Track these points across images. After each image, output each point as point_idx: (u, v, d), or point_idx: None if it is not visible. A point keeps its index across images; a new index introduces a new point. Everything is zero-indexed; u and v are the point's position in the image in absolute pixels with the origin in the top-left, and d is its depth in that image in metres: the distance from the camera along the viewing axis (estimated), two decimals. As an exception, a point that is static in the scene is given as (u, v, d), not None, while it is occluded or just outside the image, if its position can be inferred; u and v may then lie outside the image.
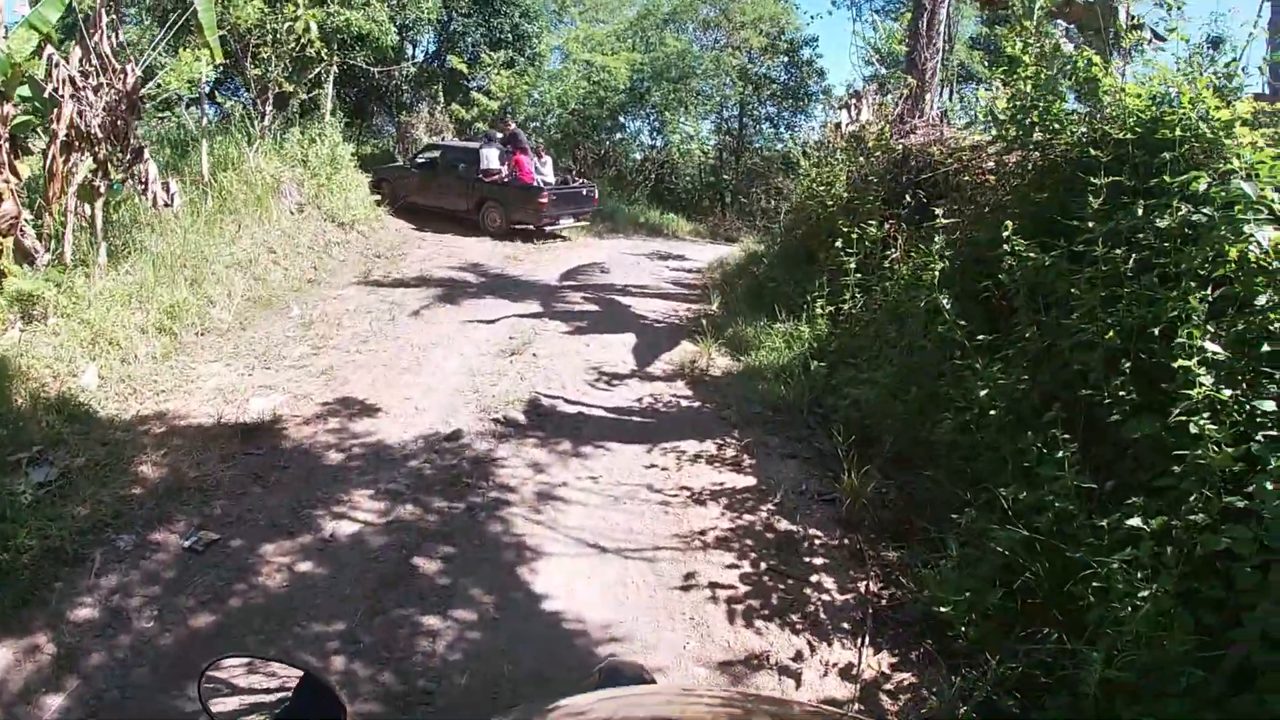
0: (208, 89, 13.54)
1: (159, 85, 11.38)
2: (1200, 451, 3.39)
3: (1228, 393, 3.52)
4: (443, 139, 20.20)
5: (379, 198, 16.76)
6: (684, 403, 7.49)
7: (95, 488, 5.36)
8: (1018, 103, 6.29)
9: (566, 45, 25.34)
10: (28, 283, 7.23)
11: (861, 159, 9.90)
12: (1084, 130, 5.72)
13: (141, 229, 9.41)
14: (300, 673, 1.54)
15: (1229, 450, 3.34)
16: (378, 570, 4.75)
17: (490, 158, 16.69)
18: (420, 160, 17.90)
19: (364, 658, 3.99)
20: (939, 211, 6.60)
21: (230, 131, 13.32)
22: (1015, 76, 6.35)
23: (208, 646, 4.00)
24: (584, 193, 17.52)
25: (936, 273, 5.85)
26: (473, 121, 22.24)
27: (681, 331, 9.81)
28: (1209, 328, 3.75)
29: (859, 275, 7.94)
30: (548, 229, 16.43)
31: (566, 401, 7.40)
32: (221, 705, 1.50)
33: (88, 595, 4.41)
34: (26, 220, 7.59)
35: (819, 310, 8.34)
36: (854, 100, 12.21)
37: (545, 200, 15.76)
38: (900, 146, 9.27)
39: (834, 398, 6.94)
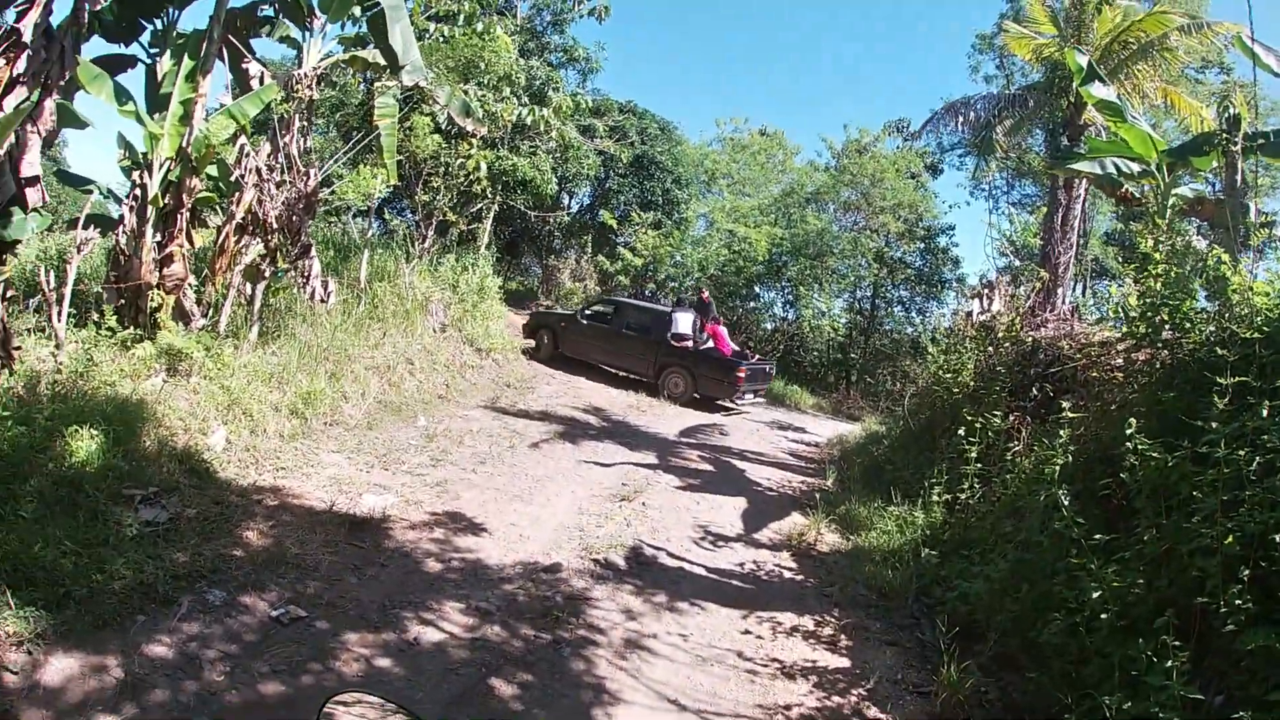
0: (377, 205, 14.59)
1: (334, 193, 12.42)
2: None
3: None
4: (624, 295, 20.78)
5: (532, 344, 17.31)
6: (787, 574, 7.34)
7: (199, 540, 5.68)
8: (1148, 300, 6.23)
9: (712, 214, 26.46)
10: (180, 340, 7.83)
11: (990, 349, 9.85)
12: (1212, 329, 5.64)
13: (294, 317, 10.17)
14: None
15: None
16: (454, 682, 4.78)
17: (684, 323, 16.83)
18: (591, 312, 17.97)
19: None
20: (1065, 405, 6.46)
21: (391, 247, 14.45)
22: (1146, 273, 6.30)
23: (270, 714, 4.12)
24: (766, 369, 17.69)
25: (1058, 468, 5.70)
26: (615, 274, 23.32)
27: (793, 502, 9.73)
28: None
29: (979, 465, 7.76)
30: (736, 403, 16.46)
31: (669, 555, 7.37)
32: None
33: (166, 635, 4.60)
34: (191, 285, 8.29)
35: (936, 497, 8.13)
36: (986, 290, 12.22)
37: (743, 375, 15.72)
38: (1030, 339, 9.18)
39: (942, 588, 6.69)
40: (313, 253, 9.50)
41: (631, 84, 57.66)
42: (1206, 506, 4.21)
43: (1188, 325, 5.88)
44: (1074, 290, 11.33)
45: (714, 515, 8.74)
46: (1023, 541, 6.00)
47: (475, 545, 6.88)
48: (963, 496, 7.79)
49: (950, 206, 34.45)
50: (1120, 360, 7.24)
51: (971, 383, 9.60)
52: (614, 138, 23.42)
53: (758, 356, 18.59)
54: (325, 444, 8.58)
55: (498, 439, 10.45)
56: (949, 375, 10.27)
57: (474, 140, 15.43)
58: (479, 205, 17.77)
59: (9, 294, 6.48)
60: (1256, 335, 4.89)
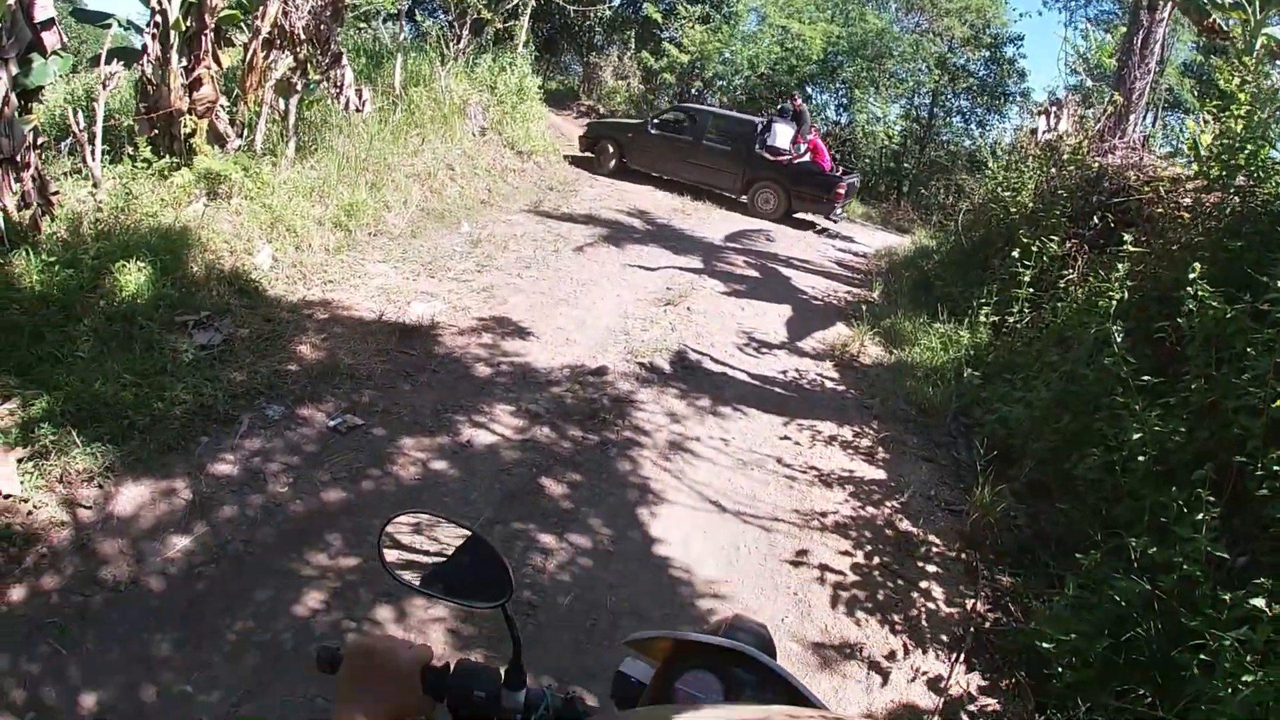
0: (407, 6, 14.06)
1: None
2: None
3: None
4: (706, 103, 19.94)
5: (591, 155, 16.54)
6: (829, 384, 7.53)
7: (254, 358, 5.86)
8: (1226, 141, 6.05)
9: (764, 8, 25.02)
10: (217, 163, 7.76)
11: (1053, 170, 9.58)
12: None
13: (331, 129, 9.98)
14: (469, 534, 1.62)
15: None
16: (506, 482, 5.04)
17: (783, 135, 15.94)
18: (664, 121, 16.89)
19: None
20: (1127, 239, 6.38)
21: (425, 50, 13.88)
22: (1227, 113, 6.08)
23: (334, 520, 4.39)
24: (855, 184, 16.89)
25: (1113, 303, 5.71)
26: (660, 71, 22.45)
27: (838, 312, 9.83)
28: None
29: (1031, 290, 7.76)
30: (834, 219, 15.89)
31: (713, 360, 7.55)
32: (396, 556, 1.62)
33: (230, 454, 4.84)
34: (222, 106, 8.15)
35: (983, 317, 8.19)
36: (1054, 108, 11.75)
37: (843, 191, 15.06)
38: (1096, 164, 8.93)
39: (982, 410, 6.85)
40: (344, 61, 9.18)
41: None
42: (1259, 366, 4.23)
43: (1264, 174, 5.74)
44: (1146, 120, 10.77)
45: (758, 322, 8.87)
46: (1068, 372, 6.08)
47: (523, 349, 7.05)
48: (1011, 320, 7.84)
49: (1021, 15, 32.61)
50: (1188, 200, 7.06)
51: (1030, 204, 9.42)
52: None
53: (845, 169, 17.54)
54: (370, 254, 8.62)
55: (542, 243, 10.44)
56: (1008, 194, 10.06)
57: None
58: (515, 1, 16.91)
59: (40, 141, 6.35)
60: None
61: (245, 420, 5.17)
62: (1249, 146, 5.78)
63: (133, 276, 5.99)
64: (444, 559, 1.65)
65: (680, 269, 10.40)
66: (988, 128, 24.95)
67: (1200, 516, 3.84)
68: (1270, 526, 3.92)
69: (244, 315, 6.39)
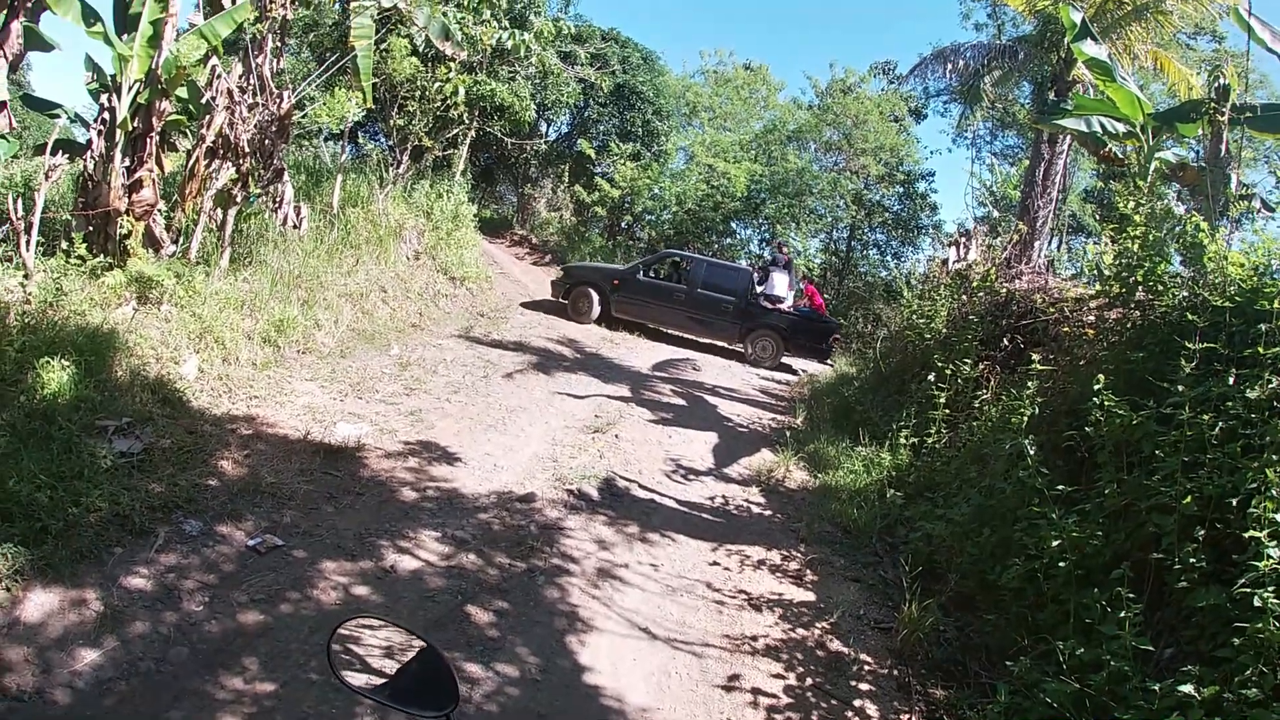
0: (350, 128, 14.31)
1: (306, 116, 12.20)
2: (1261, 625, 3.35)
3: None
4: (694, 251, 20.22)
5: (562, 300, 16.11)
6: (755, 509, 7.52)
7: (174, 470, 5.67)
8: (1124, 260, 6.38)
9: (691, 147, 26.22)
10: (150, 267, 7.69)
11: (964, 297, 10.00)
12: (1185, 294, 5.79)
13: (266, 244, 9.95)
14: (422, 644, 1.63)
15: None
16: (431, 609, 4.90)
17: (781, 284, 16.10)
18: (653, 269, 16.65)
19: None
20: (1035, 358, 6.62)
21: (365, 172, 14.12)
22: (1124, 234, 6.43)
23: (250, 643, 4.20)
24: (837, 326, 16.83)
25: (1025, 418, 5.87)
26: (592, 205, 23.12)
27: (763, 439, 9.88)
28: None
29: (947, 411, 7.98)
30: (828, 364, 15.65)
31: (641, 487, 7.51)
32: (345, 660, 1.61)
33: (144, 567, 4.65)
34: (161, 210, 8.16)
35: (903, 439, 8.35)
36: (963, 238, 12.34)
37: (838, 338, 14.97)
38: (1004, 290, 9.32)
39: (906, 529, 6.93)
40: (285, 177, 9.34)
41: (615, 11, 56.15)
42: (1167, 466, 4.38)
43: (1161, 288, 6.04)
44: (1050, 245, 11.33)
45: (685, 449, 8.89)
46: (986, 487, 6.20)
47: (450, 474, 6.96)
48: (929, 440, 8.02)
49: (931, 153, 34.71)
50: (1092, 317, 7.39)
51: (944, 330, 9.77)
52: (595, 66, 23.01)
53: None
54: (298, 372, 8.56)
55: (471, 368, 10.46)
56: (922, 321, 10.44)
57: (452, 64, 15.12)
58: (455, 131, 17.38)
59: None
60: (1228, 304, 5.04)
61: (162, 534, 4.99)
62: (1146, 264, 6.09)
63: (56, 374, 5.85)
64: (393, 666, 1.66)
65: (609, 397, 10.44)
66: (902, 259, 26.16)
67: (1123, 614, 3.90)
68: (1192, 617, 4.00)
69: (166, 425, 6.23)
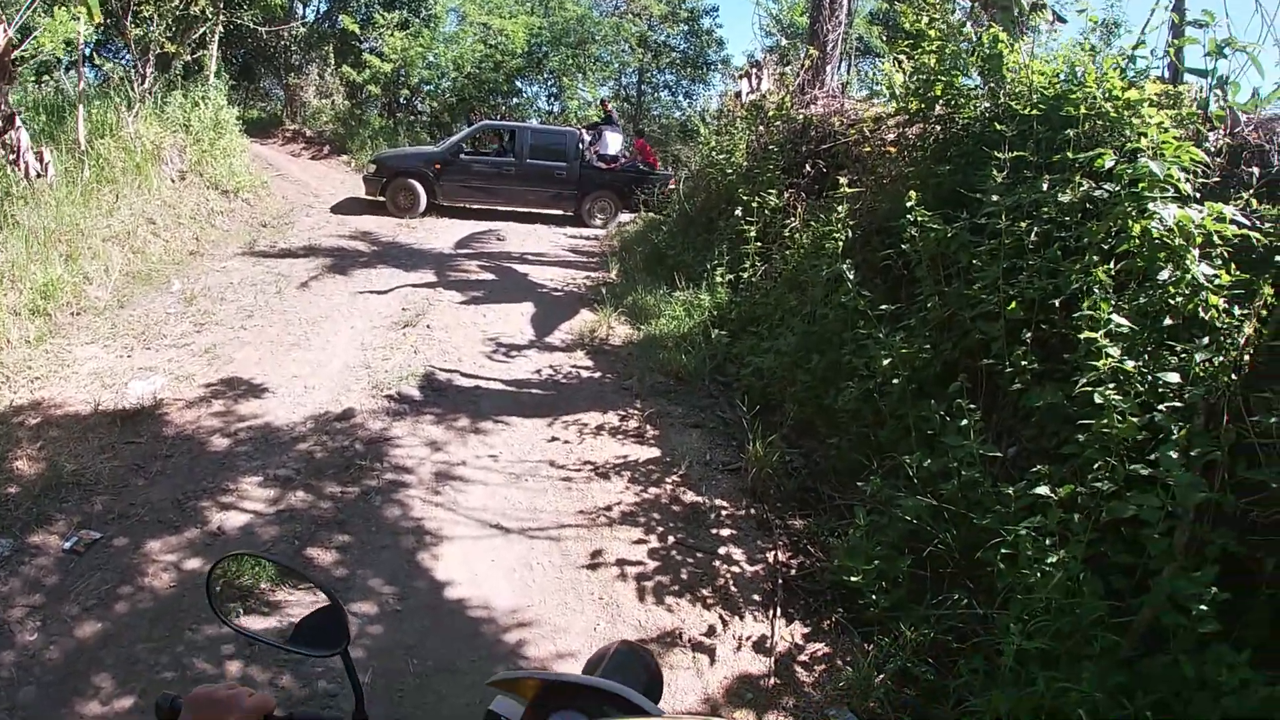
0: (87, 51, 12.63)
1: (33, 47, 10.65)
2: (1106, 421, 3.42)
3: (1131, 364, 3.56)
4: (507, 120, 18.89)
5: (380, 197, 14.76)
6: (584, 373, 7.35)
7: None
8: (921, 76, 6.32)
9: (463, 7, 24.68)
10: None
11: (761, 128, 9.88)
12: (987, 105, 5.79)
13: (14, 202, 8.72)
14: (304, 580, 1.56)
15: (1133, 420, 3.39)
16: (270, 564, 4.51)
17: (615, 143, 15.51)
18: (475, 146, 15.71)
19: (260, 661, 3.71)
20: (843, 181, 6.56)
21: (110, 96, 12.45)
22: (920, 49, 6.35)
23: (96, 658, 3.72)
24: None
25: (839, 243, 5.85)
26: (364, 84, 21.55)
27: (580, 300, 9.68)
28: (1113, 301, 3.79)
29: (759, 244, 7.95)
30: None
31: (463, 375, 7.16)
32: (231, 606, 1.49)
33: None
34: None
35: (719, 278, 8.33)
36: (754, 70, 12.15)
37: (673, 186, 13.54)
38: (801, 116, 9.26)
39: (736, 366, 6.95)
40: (18, 122, 8.08)
41: None
42: (989, 275, 4.41)
43: (961, 101, 6.03)
44: (842, 69, 11.18)
45: (503, 325, 8.57)
46: (809, 315, 6.21)
47: (260, 409, 6.38)
48: (745, 275, 8.01)
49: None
50: (892, 136, 7.40)
51: (745, 163, 9.65)
52: None
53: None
54: (77, 337, 7.58)
55: (262, 286, 9.59)
56: (722, 156, 10.29)
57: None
58: (202, 30, 15.55)
59: None
60: (1034, 111, 5.03)
61: (-30, 567, 4.31)
62: (944, 78, 6.05)
63: None
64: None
65: (414, 286, 9.90)
66: (695, 98, 25.87)
67: (964, 423, 3.95)
68: (1031, 416, 4.12)
69: (-60, 437, 5.36)
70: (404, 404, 6.53)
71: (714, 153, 10.69)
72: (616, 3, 26.33)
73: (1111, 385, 3.52)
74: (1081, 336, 3.67)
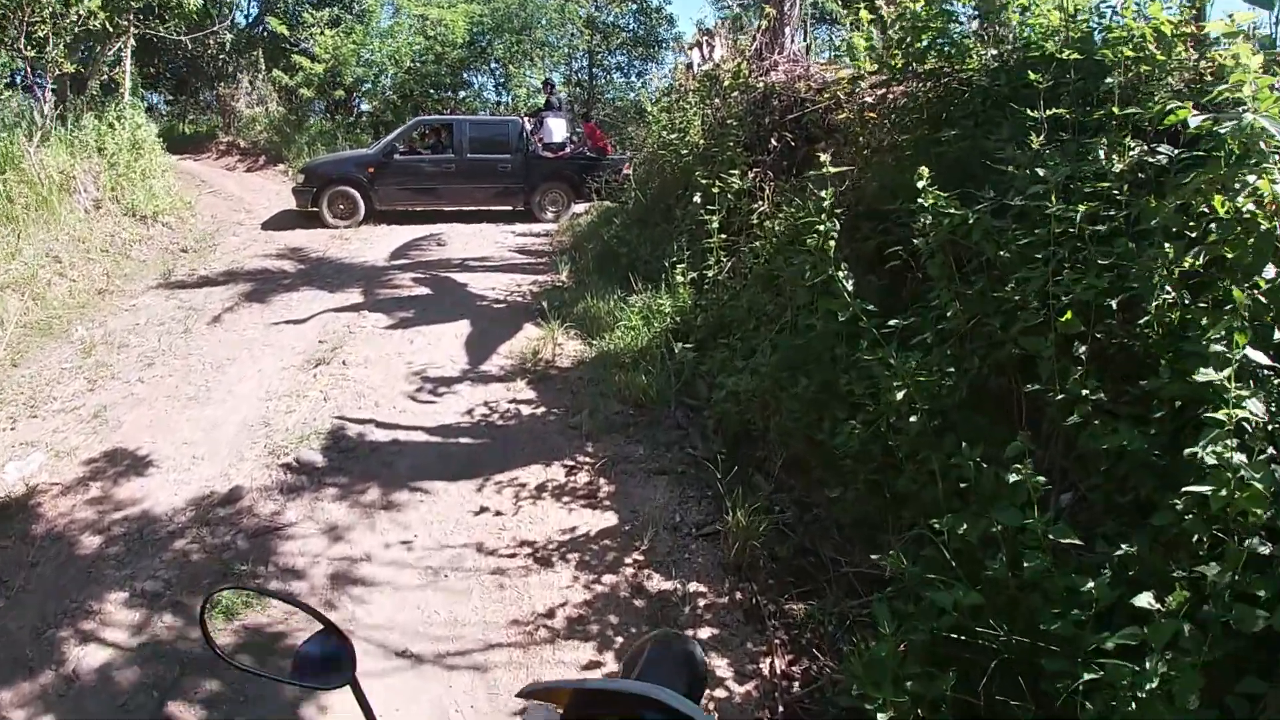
0: None
1: None
2: (1221, 486, 2.33)
3: (1258, 408, 2.45)
4: (446, 114, 17.76)
5: (313, 209, 13.48)
6: (525, 409, 6.15)
7: None
8: (905, 24, 5.19)
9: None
10: None
11: (717, 101, 8.69)
12: (993, 53, 4.70)
13: None
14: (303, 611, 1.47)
15: (1258, 486, 2.32)
16: (124, 727, 3.36)
17: (559, 129, 14.39)
18: (408, 144, 14.44)
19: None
20: (824, 158, 5.26)
21: (9, 126, 11.20)
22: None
23: None
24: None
25: (829, 239, 4.61)
26: (297, 88, 20.34)
27: (525, 312, 8.44)
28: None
29: (724, 236, 6.79)
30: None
31: (379, 426, 5.95)
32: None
33: None
34: None
35: (680, 277, 7.13)
36: (705, 39, 10.95)
37: (628, 171, 12.01)
38: (761, 85, 8.07)
39: (706, 385, 5.82)
40: None
41: None
42: (1031, 276, 3.27)
43: (956, 51, 4.92)
44: (800, 38, 9.98)
45: (432, 353, 7.34)
46: (789, 323, 5.08)
47: (139, 491, 5.23)
48: (710, 274, 6.83)
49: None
50: (870, 99, 6.23)
51: (701, 142, 8.49)
52: None
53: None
54: None
55: (171, 325, 8.43)
56: (674, 136, 9.12)
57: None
58: (116, 45, 14.17)
59: None
60: (1073, 56, 3.88)
61: None
62: (934, 24, 4.92)
63: None
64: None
65: (336, 311, 8.69)
66: (648, 78, 24.65)
67: (1015, 478, 2.80)
68: (1096, 461, 3.04)
69: None
70: (303, 474, 5.35)
71: (665, 131, 9.49)
72: (561, -16, 24.92)
73: (1234, 441, 2.41)
74: (1197, 378, 2.52)
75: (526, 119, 15.12)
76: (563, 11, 23.79)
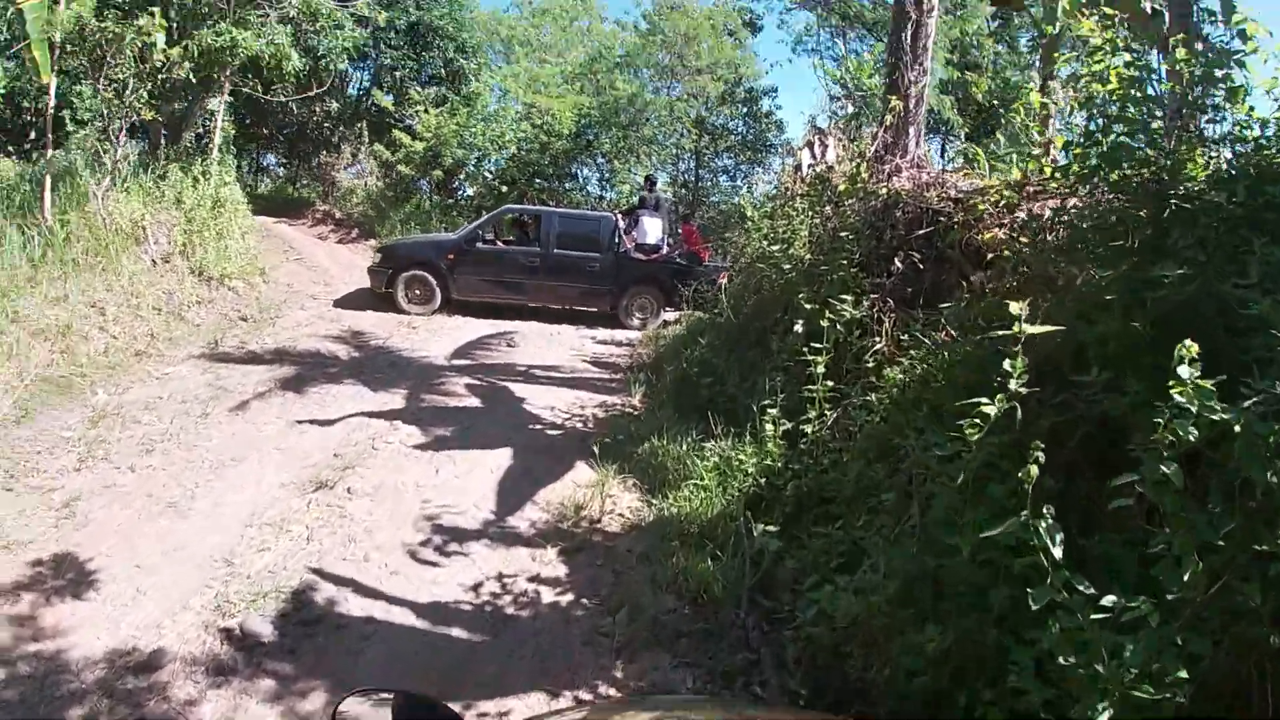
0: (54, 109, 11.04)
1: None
2: None
3: None
4: (532, 203, 16.98)
5: (387, 290, 12.67)
6: (548, 593, 4.65)
7: None
8: (1096, 112, 3.74)
9: (505, 83, 23.01)
10: None
11: (828, 209, 7.25)
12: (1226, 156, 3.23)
13: None
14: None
15: None
16: None
17: (654, 229, 13.26)
18: (487, 234, 13.34)
19: None
20: (1015, 308, 3.30)
21: (94, 166, 11.04)
22: (1092, 61, 3.77)
23: None
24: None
25: (1032, 467, 2.81)
26: (396, 164, 19.86)
27: (581, 444, 6.93)
28: None
29: (830, 384, 5.26)
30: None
31: (357, 591, 4.57)
32: None
33: None
34: None
35: (770, 427, 5.55)
36: (818, 138, 9.58)
37: (724, 280, 10.33)
38: (884, 191, 6.64)
39: (789, 592, 4.24)
40: None
41: None
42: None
43: (1164, 154, 3.45)
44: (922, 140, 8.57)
45: (457, 490, 5.96)
46: (918, 528, 3.52)
47: (69, 619, 4.26)
48: (809, 430, 5.27)
49: (771, 65, 32.09)
50: (1049, 210, 4.70)
51: (807, 256, 7.04)
52: (384, 3, 19.16)
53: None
54: None
55: (191, 405, 7.51)
56: (777, 247, 7.64)
57: (153, 11, 11.53)
58: (211, 96, 13.85)
59: None
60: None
61: None
62: (1132, 112, 3.47)
63: None
64: None
65: (370, 415, 7.48)
66: (754, 182, 23.68)
67: None
68: None
69: None
70: (242, 649, 4.09)
71: (766, 241, 8.05)
72: (671, 84, 24.45)
73: None
74: None
75: (620, 216, 13.99)
76: (672, 110, 23.19)
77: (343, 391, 8.24)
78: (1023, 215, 4.88)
